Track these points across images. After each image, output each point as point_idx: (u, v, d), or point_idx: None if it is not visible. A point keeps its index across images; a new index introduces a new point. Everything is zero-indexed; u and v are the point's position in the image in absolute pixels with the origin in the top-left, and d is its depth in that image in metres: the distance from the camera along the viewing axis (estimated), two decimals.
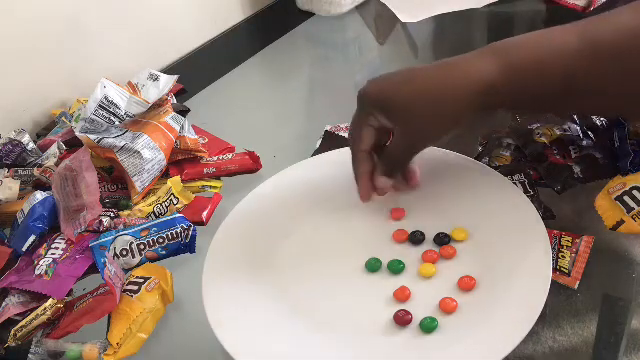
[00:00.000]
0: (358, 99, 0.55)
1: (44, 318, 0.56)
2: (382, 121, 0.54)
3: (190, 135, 0.72)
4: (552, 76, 0.47)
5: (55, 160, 0.72)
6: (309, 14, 1.06)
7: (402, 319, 0.50)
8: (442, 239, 0.56)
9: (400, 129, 0.53)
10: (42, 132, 0.84)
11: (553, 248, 0.52)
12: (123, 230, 0.61)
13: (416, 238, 0.56)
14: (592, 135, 0.63)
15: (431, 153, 0.63)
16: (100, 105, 0.71)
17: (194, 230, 0.61)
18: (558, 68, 0.47)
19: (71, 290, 0.59)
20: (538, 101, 0.51)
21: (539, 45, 0.48)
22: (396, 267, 0.54)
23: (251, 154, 0.71)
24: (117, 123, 0.72)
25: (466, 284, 0.52)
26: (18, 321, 0.55)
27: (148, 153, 0.67)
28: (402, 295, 0.52)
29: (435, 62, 0.53)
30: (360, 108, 0.55)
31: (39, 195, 0.65)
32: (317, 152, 0.71)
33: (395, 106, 0.52)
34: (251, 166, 0.71)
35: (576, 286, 0.50)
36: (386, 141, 0.57)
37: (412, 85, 0.52)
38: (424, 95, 0.51)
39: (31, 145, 0.76)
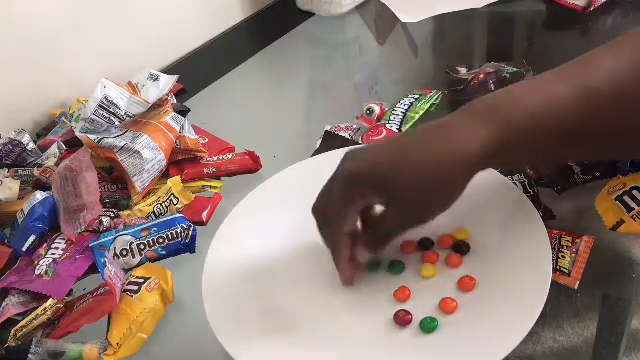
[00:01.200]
0: (343, 178, 0.49)
1: (44, 318, 0.56)
2: (373, 201, 0.50)
3: (190, 135, 0.72)
4: (549, 130, 0.46)
5: (55, 160, 0.72)
6: (309, 14, 1.06)
7: (402, 319, 0.50)
8: (459, 247, 0.55)
9: (395, 209, 0.49)
10: (42, 132, 0.84)
11: (553, 248, 0.52)
12: (123, 230, 0.61)
13: (424, 246, 0.56)
14: None
15: None
16: (100, 105, 0.71)
17: (194, 230, 0.61)
18: (553, 121, 0.46)
19: (71, 290, 0.60)
20: (536, 156, 0.50)
21: (530, 101, 0.46)
22: (396, 267, 0.54)
23: (251, 154, 0.71)
24: (117, 123, 0.72)
25: (466, 284, 0.51)
26: (18, 321, 0.55)
27: (148, 153, 0.67)
28: (402, 295, 0.52)
29: (422, 130, 0.49)
30: (347, 188, 0.49)
31: (39, 195, 0.65)
32: (317, 152, 0.71)
33: (391, 186, 0.48)
34: (251, 166, 0.71)
35: (576, 286, 0.50)
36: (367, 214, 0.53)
37: (407, 161, 0.47)
38: (422, 174, 0.47)
39: (31, 145, 0.76)
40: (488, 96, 0.48)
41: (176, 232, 0.61)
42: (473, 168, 0.48)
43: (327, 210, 0.52)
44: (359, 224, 0.52)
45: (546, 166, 0.60)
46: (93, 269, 0.61)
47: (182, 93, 0.89)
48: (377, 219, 0.52)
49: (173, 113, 0.73)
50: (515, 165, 0.59)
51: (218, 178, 0.71)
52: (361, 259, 0.52)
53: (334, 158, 0.65)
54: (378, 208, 0.52)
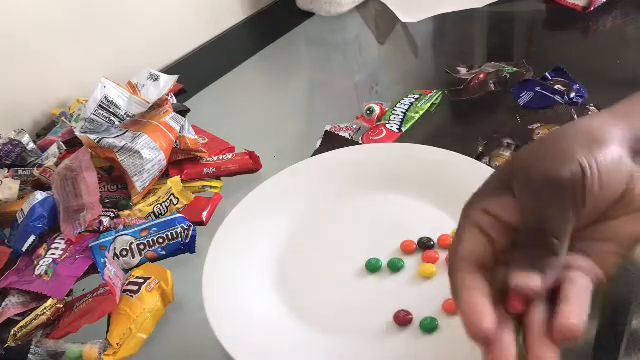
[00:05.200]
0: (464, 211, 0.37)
1: (44, 318, 0.56)
2: (498, 202, 0.36)
3: (190, 135, 0.72)
4: None
5: (55, 160, 0.72)
6: (309, 14, 1.06)
7: (402, 319, 0.50)
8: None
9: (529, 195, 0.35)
10: (42, 132, 0.84)
11: None
12: (123, 230, 0.61)
13: (425, 245, 0.56)
14: None
15: (431, 153, 0.63)
16: (100, 105, 0.71)
17: (194, 230, 0.61)
18: None
19: (71, 290, 0.59)
20: None
21: None
22: (396, 265, 0.54)
23: (251, 154, 0.71)
24: (117, 123, 0.72)
25: None
26: (18, 321, 0.55)
27: (148, 153, 0.67)
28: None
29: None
30: (465, 209, 0.37)
31: (39, 195, 0.65)
32: (317, 152, 0.71)
33: (514, 170, 0.36)
34: (251, 166, 0.70)
35: None
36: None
37: (539, 148, 0.36)
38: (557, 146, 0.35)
39: (31, 145, 0.76)
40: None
41: (176, 232, 0.61)
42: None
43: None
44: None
45: None
46: (93, 269, 0.61)
47: (182, 93, 0.89)
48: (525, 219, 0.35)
49: (173, 113, 0.73)
50: None
51: (218, 178, 0.71)
52: (521, 282, 0.33)
53: (334, 158, 0.66)
54: None
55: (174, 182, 0.67)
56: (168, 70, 0.94)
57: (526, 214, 0.35)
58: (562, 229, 0.34)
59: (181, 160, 0.72)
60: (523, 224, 0.35)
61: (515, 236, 0.36)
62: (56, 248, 0.62)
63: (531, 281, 0.33)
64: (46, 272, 0.59)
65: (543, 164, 0.34)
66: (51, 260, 0.60)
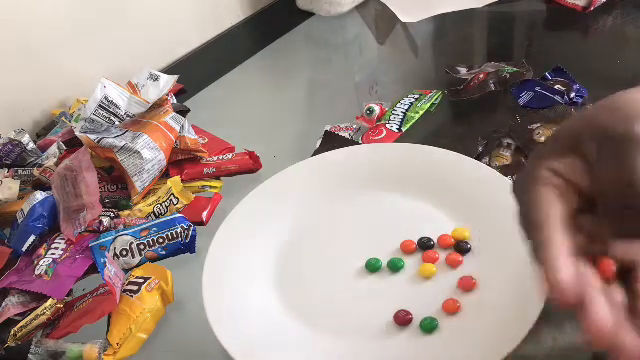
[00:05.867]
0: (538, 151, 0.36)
1: (44, 318, 0.56)
2: (587, 151, 0.33)
3: (190, 135, 0.72)
4: None
5: (55, 160, 0.72)
6: (309, 14, 1.06)
7: (402, 319, 0.50)
8: (460, 247, 0.55)
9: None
10: (42, 132, 0.84)
11: None
12: (123, 230, 0.61)
13: (425, 245, 0.56)
14: None
15: (431, 153, 0.63)
16: (100, 105, 0.71)
17: (194, 230, 0.61)
18: None
19: (71, 290, 0.59)
20: None
21: None
22: (396, 264, 0.54)
23: (251, 154, 0.71)
24: (117, 123, 0.72)
25: (466, 284, 0.52)
26: (18, 321, 0.55)
27: (148, 153, 0.67)
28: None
29: None
30: (534, 167, 0.35)
31: (39, 195, 0.65)
32: (317, 152, 0.71)
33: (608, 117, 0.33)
34: (251, 166, 0.70)
35: None
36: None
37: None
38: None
39: (31, 145, 0.76)
40: None
41: (176, 232, 0.61)
42: None
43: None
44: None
45: None
46: (93, 269, 0.61)
47: (182, 93, 0.89)
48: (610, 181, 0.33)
49: (173, 113, 0.73)
50: None
51: (218, 178, 0.71)
52: (625, 254, 0.32)
53: (334, 158, 0.66)
54: None
55: (174, 182, 0.67)
56: (168, 70, 0.94)
57: (611, 173, 0.32)
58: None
59: (181, 160, 0.72)
60: (608, 186, 0.32)
61: (585, 201, 0.34)
62: (56, 248, 0.62)
63: (633, 251, 0.31)
64: (46, 272, 0.59)
65: (624, 122, 0.32)
66: (51, 260, 0.60)
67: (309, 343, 0.50)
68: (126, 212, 0.66)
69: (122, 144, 0.66)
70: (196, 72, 0.96)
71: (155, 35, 0.96)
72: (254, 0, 1.10)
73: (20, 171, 0.72)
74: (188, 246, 0.61)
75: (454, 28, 0.97)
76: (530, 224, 0.33)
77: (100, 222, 0.63)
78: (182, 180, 0.69)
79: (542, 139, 0.63)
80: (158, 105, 0.75)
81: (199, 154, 0.72)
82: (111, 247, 0.61)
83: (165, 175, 0.71)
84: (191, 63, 0.99)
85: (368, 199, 0.62)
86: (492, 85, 0.75)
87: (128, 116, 0.73)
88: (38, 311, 0.56)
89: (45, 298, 0.57)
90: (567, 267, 0.30)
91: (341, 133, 0.73)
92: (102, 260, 0.59)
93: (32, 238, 0.63)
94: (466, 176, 0.61)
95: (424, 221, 0.58)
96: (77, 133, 0.69)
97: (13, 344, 0.55)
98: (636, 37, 0.86)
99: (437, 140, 0.66)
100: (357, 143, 0.71)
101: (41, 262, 0.60)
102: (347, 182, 0.63)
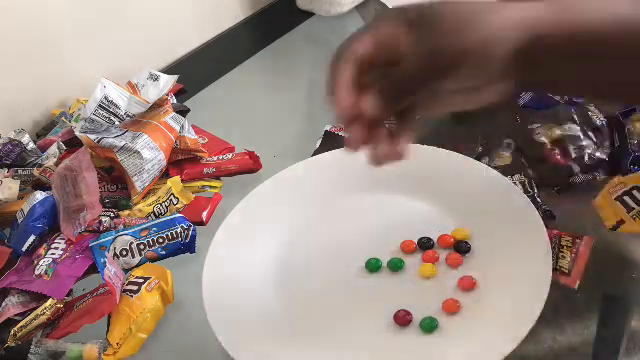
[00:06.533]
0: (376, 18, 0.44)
1: (44, 318, 0.56)
2: (399, 30, 0.42)
3: (190, 135, 0.72)
4: (607, 39, 0.41)
5: (55, 160, 0.72)
6: (309, 14, 1.06)
7: (402, 319, 0.50)
8: (460, 247, 0.55)
9: (421, 42, 0.42)
10: (42, 132, 0.84)
11: (553, 248, 0.52)
12: (123, 230, 0.61)
13: (425, 245, 0.56)
14: (592, 135, 0.63)
15: (431, 154, 0.63)
16: (100, 105, 0.71)
17: (194, 230, 0.61)
18: (613, 32, 0.40)
19: (71, 290, 0.59)
20: (568, 65, 0.43)
21: (594, 6, 0.41)
22: (396, 265, 0.54)
23: (251, 154, 0.71)
24: (117, 123, 0.72)
25: (466, 284, 0.52)
26: (18, 321, 0.55)
27: (148, 153, 0.67)
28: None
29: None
30: (374, 20, 0.44)
31: (39, 195, 0.65)
32: (317, 152, 0.71)
33: (422, 11, 0.42)
34: (251, 166, 0.70)
35: (576, 286, 0.50)
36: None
37: (450, 5, 0.42)
38: (456, 14, 0.41)
39: (31, 145, 0.76)
40: None
41: (176, 232, 0.61)
42: (518, 34, 0.41)
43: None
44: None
45: (569, 90, 0.53)
46: (93, 269, 0.61)
47: (182, 93, 0.89)
48: (398, 67, 0.43)
49: (173, 113, 0.73)
50: (541, 79, 0.47)
51: (218, 178, 0.71)
52: (369, 109, 0.43)
53: (334, 158, 0.66)
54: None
55: (174, 182, 0.67)
56: (168, 70, 0.94)
57: (415, 61, 0.42)
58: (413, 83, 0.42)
59: (181, 160, 0.72)
60: (407, 62, 0.42)
61: (388, 60, 0.43)
62: (56, 248, 0.62)
63: (371, 107, 0.43)
64: (46, 272, 0.59)
65: (453, 37, 0.41)
66: (51, 260, 0.60)
67: (309, 343, 0.50)
68: (126, 212, 0.66)
69: (122, 144, 0.66)
70: (196, 72, 0.96)
71: (155, 35, 0.96)
72: (254, 0, 1.09)
73: (20, 171, 0.72)
74: (188, 246, 0.61)
75: None
76: (330, 79, 0.46)
77: (100, 222, 0.63)
78: (182, 180, 0.69)
79: (542, 139, 0.63)
80: (158, 105, 0.75)
81: (199, 154, 0.72)
82: (111, 247, 0.61)
83: (165, 175, 0.71)
84: (191, 63, 0.99)
85: (368, 199, 0.62)
86: None
87: (128, 116, 0.73)
88: (38, 311, 0.56)
89: (45, 298, 0.57)
90: (346, 99, 0.44)
91: (341, 133, 0.73)
92: (102, 260, 0.59)
93: (32, 238, 0.63)
94: (466, 176, 0.61)
95: (424, 221, 0.58)
96: (77, 133, 0.69)
97: (13, 344, 0.55)
98: None
99: (437, 140, 0.66)
100: None
101: (41, 262, 0.60)
102: (347, 182, 0.63)
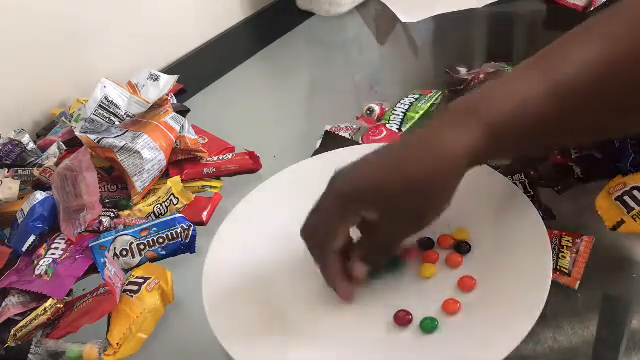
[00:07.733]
0: (333, 197, 0.50)
1: (44, 318, 0.56)
2: (368, 216, 0.49)
3: (190, 135, 0.72)
4: (527, 129, 0.47)
5: (55, 160, 0.72)
6: (309, 14, 1.06)
7: (402, 319, 0.50)
8: (460, 247, 0.55)
9: (390, 220, 0.49)
10: (42, 132, 0.84)
11: (553, 248, 0.52)
12: (123, 230, 0.61)
13: (425, 245, 0.56)
14: None
15: None
16: (100, 105, 0.71)
17: (194, 230, 0.61)
18: (530, 120, 0.46)
19: (71, 290, 0.59)
20: (521, 149, 0.53)
21: (504, 103, 0.47)
22: (396, 265, 0.54)
23: (251, 154, 0.71)
24: (117, 123, 0.72)
25: (466, 284, 0.51)
26: (18, 321, 0.55)
27: (148, 153, 0.67)
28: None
29: (406, 138, 0.52)
30: (337, 206, 0.49)
31: (39, 195, 0.65)
32: (317, 152, 0.71)
33: (382, 199, 0.48)
34: (251, 166, 0.70)
35: (576, 286, 0.50)
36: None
37: (396, 174, 0.48)
38: (412, 183, 0.47)
39: (31, 145, 0.76)
40: (466, 97, 0.49)
41: (176, 232, 0.61)
42: (459, 170, 0.48)
43: (317, 231, 0.51)
44: (356, 237, 0.53)
45: (534, 155, 0.61)
46: (93, 269, 0.61)
47: (182, 93, 0.89)
48: (372, 231, 0.51)
49: (173, 113, 0.73)
50: (503, 158, 0.60)
51: (218, 178, 0.71)
52: (359, 274, 0.51)
53: (334, 158, 0.66)
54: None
55: (174, 182, 0.67)
56: (168, 70, 0.94)
57: (384, 236, 0.51)
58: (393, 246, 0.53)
59: (181, 160, 0.72)
60: (380, 236, 0.51)
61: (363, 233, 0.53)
62: (56, 248, 0.62)
63: (361, 273, 0.52)
64: (46, 272, 0.59)
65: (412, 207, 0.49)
66: (51, 260, 0.60)
67: (309, 343, 0.50)
68: (126, 212, 0.66)
69: (122, 144, 0.66)
70: (196, 72, 0.96)
71: (155, 35, 0.96)
72: (254, 0, 1.10)
73: (20, 171, 0.72)
74: (188, 246, 0.61)
75: (454, 28, 0.97)
76: (323, 272, 0.52)
77: (100, 222, 0.63)
78: (182, 180, 0.69)
79: None
80: (158, 105, 0.75)
81: (199, 154, 0.72)
82: (111, 247, 0.61)
83: (165, 175, 0.71)
84: (191, 63, 1.00)
85: None
86: None
87: (128, 116, 0.73)
88: (38, 311, 0.56)
89: (45, 298, 0.57)
90: (347, 288, 0.52)
91: (341, 133, 0.73)
92: (102, 260, 0.59)
93: (32, 238, 0.63)
94: (466, 176, 0.60)
95: None
96: (77, 133, 0.69)
97: (13, 344, 0.55)
98: None
99: None
100: (357, 143, 0.71)
101: (41, 262, 0.60)
102: None
